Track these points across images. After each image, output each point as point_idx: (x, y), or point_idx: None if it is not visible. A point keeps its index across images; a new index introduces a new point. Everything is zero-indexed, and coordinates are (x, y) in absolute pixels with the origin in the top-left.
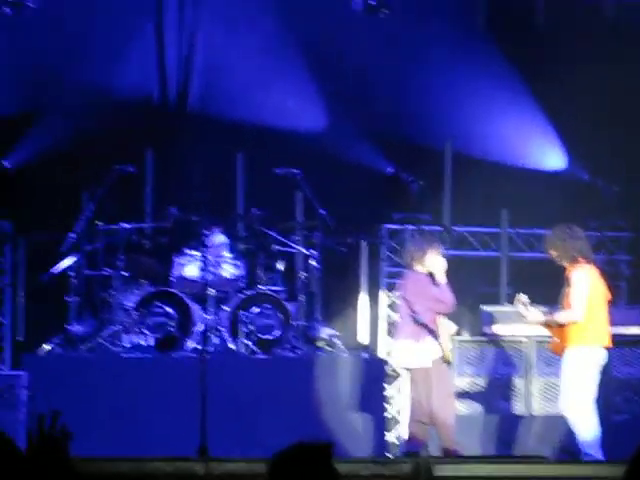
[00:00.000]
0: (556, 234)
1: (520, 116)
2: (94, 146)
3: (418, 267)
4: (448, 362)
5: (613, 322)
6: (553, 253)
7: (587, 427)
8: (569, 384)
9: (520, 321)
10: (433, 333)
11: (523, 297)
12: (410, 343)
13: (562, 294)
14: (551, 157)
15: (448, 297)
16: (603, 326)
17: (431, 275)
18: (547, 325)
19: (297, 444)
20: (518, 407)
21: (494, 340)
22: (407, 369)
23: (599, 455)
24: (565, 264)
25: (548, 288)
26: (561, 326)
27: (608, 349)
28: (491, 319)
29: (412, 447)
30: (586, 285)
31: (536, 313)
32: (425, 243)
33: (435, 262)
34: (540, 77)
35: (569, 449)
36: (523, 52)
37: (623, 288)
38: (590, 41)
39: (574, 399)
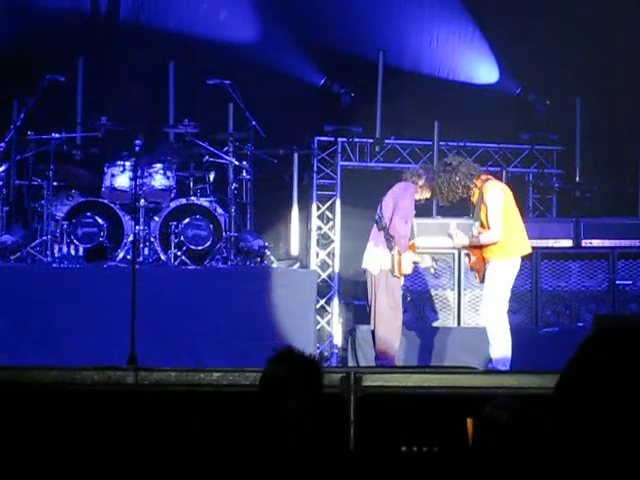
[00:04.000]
0: (437, 182)
1: (452, 29)
2: (25, 55)
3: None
4: (393, 274)
5: (543, 235)
6: (452, 196)
7: (500, 336)
8: (490, 295)
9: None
10: (389, 242)
11: (452, 224)
12: (369, 246)
13: (477, 211)
14: (483, 70)
15: (406, 228)
16: (521, 236)
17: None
18: (470, 246)
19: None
20: (448, 319)
21: (425, 253)
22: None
23: (507, 366)
24: (470, 193)
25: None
26: (483, 247)
27: (527, 256)
28: (423, 231)
29: (383, 361)
30: (500, 202)
31: (462, 237)
32: (432, 179)
33: (426, 196)
34: None
35: None
36: None
37: (553, 202)
38: None
39: (494, 309)
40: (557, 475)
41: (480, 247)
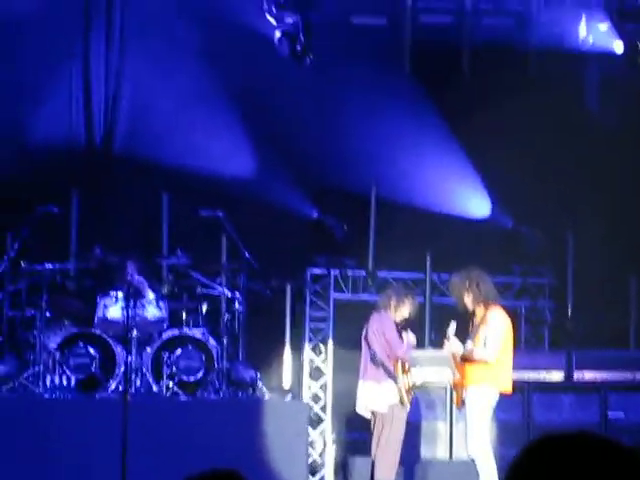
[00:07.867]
0: (469, 277)
1: (445, 162)
2: (19, 186)
3: (389, 312)
4: (403, 404)
5: (535, 367)
6: (466, 297)
7: (488, 467)
8: (471, 427)
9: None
10: (391, 375)
11: (453, 325)
12: (369, 385)
13: (472, 332)
14: (476, 203)
15: (403, 346)
16: (508, 371)
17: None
18: (455, 360)
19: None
20: (440, 451)
21: (420, 385)
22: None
23: None
24: (475, 307)
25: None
26: (468, 362)
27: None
28: (416, 364)
29: None
30: (502, 328)
31: (458, 344)
32: (404, 293)
33: (407, 312)
34: (465, 125)
35: None
36: (449, 98)
37: (545, 334)
38: (514, 92)
39: (477, 440)
40: None
41: (468, 361)
